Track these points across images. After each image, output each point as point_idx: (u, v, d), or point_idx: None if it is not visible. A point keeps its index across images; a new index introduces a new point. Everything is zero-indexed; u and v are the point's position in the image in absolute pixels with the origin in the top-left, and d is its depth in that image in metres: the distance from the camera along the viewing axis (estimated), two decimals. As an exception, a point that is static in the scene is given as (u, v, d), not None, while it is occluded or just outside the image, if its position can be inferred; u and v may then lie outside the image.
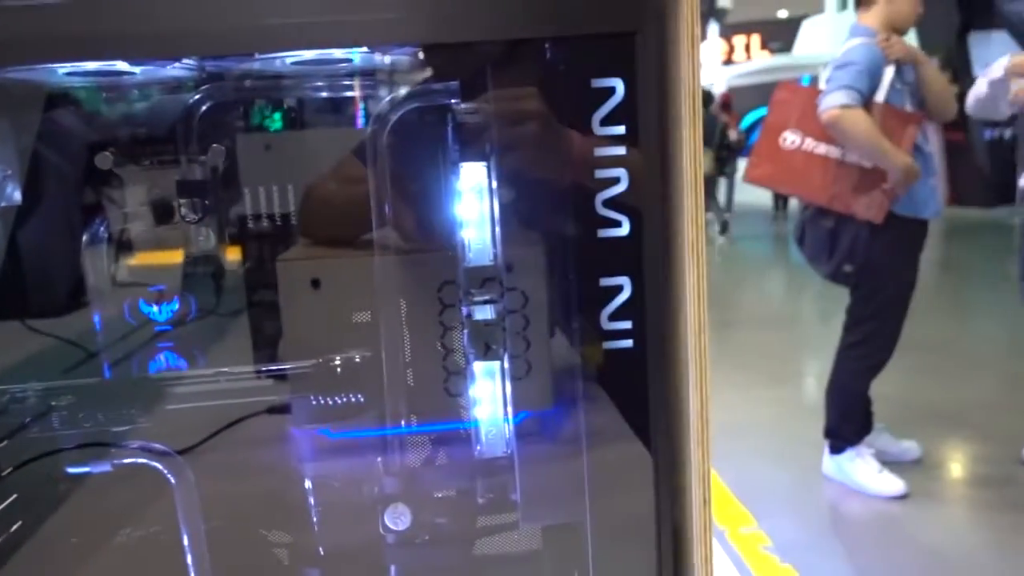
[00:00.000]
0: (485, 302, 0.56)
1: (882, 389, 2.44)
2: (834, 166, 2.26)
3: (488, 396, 0.57)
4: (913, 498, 2.32)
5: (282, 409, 0.61)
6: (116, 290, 0.64)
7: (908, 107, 2.26)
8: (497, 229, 0.55)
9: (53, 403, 0.59)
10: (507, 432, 0.57)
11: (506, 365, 0.57)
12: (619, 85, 0.51)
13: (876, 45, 2.18)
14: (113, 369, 0.63)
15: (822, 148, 2.28)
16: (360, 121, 0.62)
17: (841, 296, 2.45)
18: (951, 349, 3.84)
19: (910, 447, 2.57)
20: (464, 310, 0.57)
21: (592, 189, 0.53)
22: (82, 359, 0.64)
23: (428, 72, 0.57)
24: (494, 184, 0.54)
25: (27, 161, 0.61)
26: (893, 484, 2.34)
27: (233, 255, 0.64)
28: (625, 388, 0.56)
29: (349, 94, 0.61)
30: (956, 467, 2.62)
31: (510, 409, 0.57)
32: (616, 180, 0.53)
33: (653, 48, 0.51)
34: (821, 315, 4.61)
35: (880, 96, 2.19)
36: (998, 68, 2.38)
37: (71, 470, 0.58)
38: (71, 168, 0.62)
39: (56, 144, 0.61)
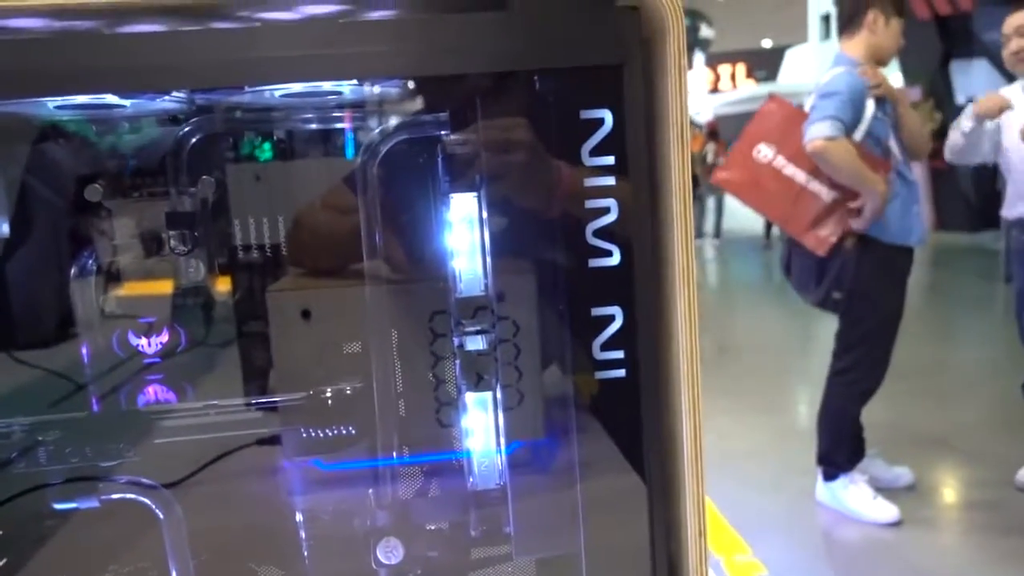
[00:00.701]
0: (477, 332, 0.56)
1: (873, 415, 2.44)
2: (797, 190, 2.29)
3: (480, 426, 0.57)
4: (907, 524, 2.31)
5: (272, 441, 0.61)
6: (105, 322, 0.63)
7: (891, 136, 2.29)
8: (488, 259, 0.55)
9: (40, 437, 0.58)
10: (499, 463, 0.57)
11: (498, 395, 0.56)
12: (607, 116, 0.52)
13: (858, 74, 2.21)
14: (101, 402, 0.63)
15: (790, 169, 2.30)
16: (350, 152, 0.62)
17: (830, 321, 2.45)
18: (940, 373, 3.85)
19: (903, 473, 2.56)
20: (455, 340, 0.57)
21: (582, 219, 0.53)
22: (69, 392, 0.63)
23: (418, 104, 0.57)
24: (484, 214, 0.54)
25: (15, 193, 0.61)
26: (887, 511, 2.33)
27: (223, 286, 0.64)
28: (618, 418, 0.55)
29: (339, 125, 0.62)
30: (949, 492, 2.62)
31: (502, 439, 0.57)
32: (606, 210, 0.53)
33: (639, 80, 0.51)
34: (811, 341, 4.62)
35: (863, 126, 2.22)
36: (966, 120, 2.43)
37: (58, 506, 0.57)
38: (60, 200, 0.62)
39: (45, 176, 0.61)
